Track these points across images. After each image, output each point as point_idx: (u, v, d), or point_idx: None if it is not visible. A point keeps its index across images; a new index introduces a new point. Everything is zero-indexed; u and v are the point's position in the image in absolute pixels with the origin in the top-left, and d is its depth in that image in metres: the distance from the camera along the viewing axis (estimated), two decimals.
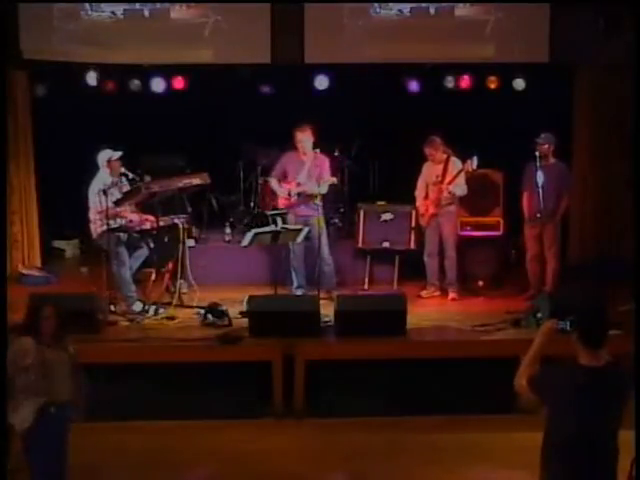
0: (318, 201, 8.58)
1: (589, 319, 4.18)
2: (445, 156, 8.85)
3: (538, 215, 8.52)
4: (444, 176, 8.80)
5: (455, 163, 8.83)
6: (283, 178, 8.85)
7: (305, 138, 8.60)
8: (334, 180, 8.92)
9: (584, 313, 4.23)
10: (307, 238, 8.41)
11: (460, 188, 8.83)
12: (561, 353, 4.12)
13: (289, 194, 8.73)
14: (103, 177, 8.18)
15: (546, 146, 8.61)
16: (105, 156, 8.23)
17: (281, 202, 8.84)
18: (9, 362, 5.08)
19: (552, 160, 8.70)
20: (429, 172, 8.96)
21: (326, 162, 8.79)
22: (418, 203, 9.05)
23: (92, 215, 8.17)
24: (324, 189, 8.69)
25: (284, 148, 8.96)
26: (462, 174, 8.79)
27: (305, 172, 8.70)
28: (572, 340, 4.15)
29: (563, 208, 8.81)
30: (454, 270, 8.98)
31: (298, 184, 8.71)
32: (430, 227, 8.99)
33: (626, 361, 6.01)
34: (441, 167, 8.85)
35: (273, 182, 8.97)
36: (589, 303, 4.60)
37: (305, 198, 8.68)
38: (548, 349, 4.31)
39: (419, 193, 9.04)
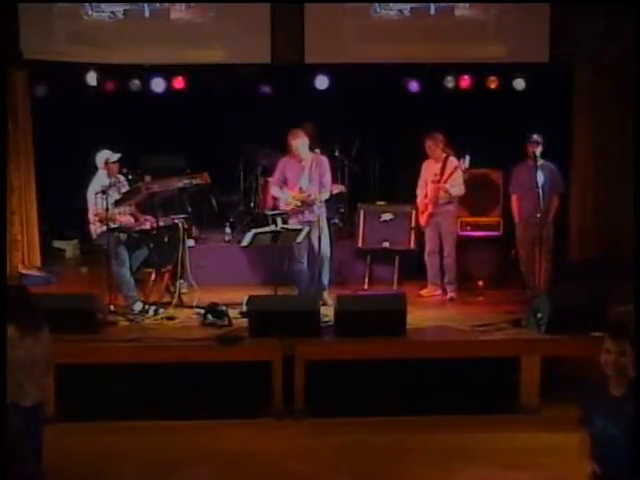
0: (319, 202, 8.41)
1: None
2: (444, 155, 8.86)
3: (538, 215, 8.49)
4: (442, 175, 8.82)
5: (453, 163, 8.84)
6: (284, 184, 8.55)
7: (299, 143, 8.33)
8: (342, 189, 8.60)
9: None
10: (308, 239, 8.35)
11: (456, 188, 8.84)
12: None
13: (291, 201, 8.41)
14: (101, 178, 8.17)
15: (536, 146, 8.60)
16: (103, 157, 8.22)
17: (283, 208, 8.57)
18: None
19: (540, 161, 8.68)
20: (428, 170, 8.96)
21: (325, 162, 8.54)
22: (418, 201, 9.05)
23: (91, 216, 8.16)
24: (325, 196, 8.48)
25: (285, 149, 8.93)
26: (459, 173, 8.81)
27: (306, 177, 8.43)
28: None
29: (554, 209, 8.81)
30: (454, 269, 8.98)
31: (300, 190, 8.41)
32: (429, 226, 9.00)
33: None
34: (439, 166, 8.85)
35: (274, 189, 8.70)
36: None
37: (308, 204, 8.38)
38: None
39: (420, 191, 9.04)
